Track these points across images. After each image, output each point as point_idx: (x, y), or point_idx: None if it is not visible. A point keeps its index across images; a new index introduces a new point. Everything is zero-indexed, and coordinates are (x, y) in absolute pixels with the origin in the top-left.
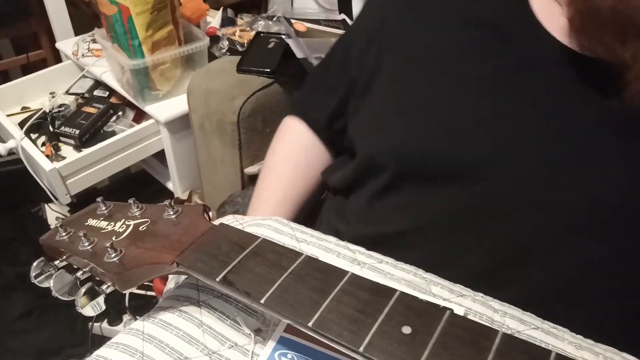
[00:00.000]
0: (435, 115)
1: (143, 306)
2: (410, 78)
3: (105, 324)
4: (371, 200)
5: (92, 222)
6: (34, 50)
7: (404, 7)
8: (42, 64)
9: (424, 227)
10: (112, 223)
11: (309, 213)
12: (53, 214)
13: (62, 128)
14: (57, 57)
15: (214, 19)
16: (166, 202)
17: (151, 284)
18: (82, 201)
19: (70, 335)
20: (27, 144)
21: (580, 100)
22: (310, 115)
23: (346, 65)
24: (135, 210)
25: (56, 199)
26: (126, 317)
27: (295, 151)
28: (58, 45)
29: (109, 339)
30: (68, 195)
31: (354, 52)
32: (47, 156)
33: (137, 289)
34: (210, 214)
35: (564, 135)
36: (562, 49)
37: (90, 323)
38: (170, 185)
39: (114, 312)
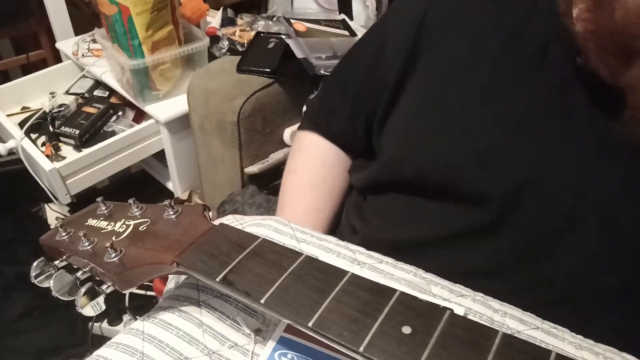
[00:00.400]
0: (465, 132)
1: (143, 306)
2: (447, 87)
3: (105, 324)
4: (387, 206)
5: (92, 222)
6: (34, 50)
7: (449, 11)
8: (42, 64)
9: (437, 237)
10: (112, 223)
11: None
12: (53, 214)
13: (62, 128)
14: (57, 57)
15: (214, 19)
16: (166, 202)
17: (151, 284)
18: (82, 201)
19: (70, 335)
20: (27, 144)
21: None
22: (333, 127)
23: (377, 68)
24: (135, 210)
25: (56, 199)
26: (126, 317)
27: (321, 171)
28: (58, 45)
29: (109, 339)
30: (68, 195)
31: (387, 52)
32: (47, 156)
33: (137, 289)
34: (210, 214)
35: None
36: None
37: (90, 323)
38: (170, 185)
39: (114, 312)
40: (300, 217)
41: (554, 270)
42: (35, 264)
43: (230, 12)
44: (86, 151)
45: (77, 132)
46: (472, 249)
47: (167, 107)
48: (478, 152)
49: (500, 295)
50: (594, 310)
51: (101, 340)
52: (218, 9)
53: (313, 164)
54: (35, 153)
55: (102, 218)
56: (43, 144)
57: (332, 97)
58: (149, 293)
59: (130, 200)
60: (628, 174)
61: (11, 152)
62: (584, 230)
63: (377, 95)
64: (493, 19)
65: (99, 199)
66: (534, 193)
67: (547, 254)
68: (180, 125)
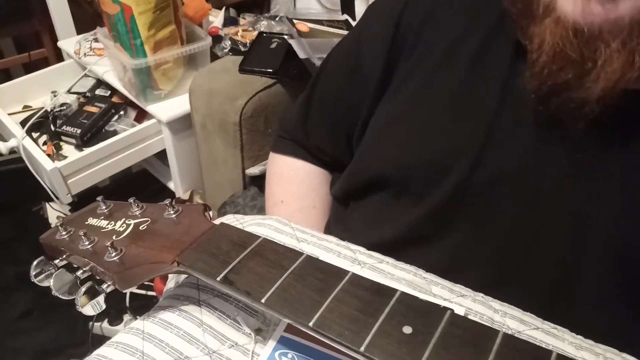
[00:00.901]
0: (443, 132)
1: (144, 306)
2: (426, 88)
3: (105, 324)
4: (368, 208)
5: (92, 221)
6: (36, 49)
7: (425, 14)
8: (43, 63)
9: (418, 235)
10: (113, 222)
11: None
12: (54, 212)
13: (64, 127)
14: (59, 56)
15: (217, 18)
16: (166, 202)
17: (152, 284)
18: (83, 200)
19: (71, 335)
20: (28, 143)
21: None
22: (314, 142)
23: (356, 77)
24: (136, 209)
25: (57, 198)
26: (127, 317)
27: (309, 198)
28: (60, 44)
29: (109, 339)
30: (69, 194)
31: (365, 60)
32: (49, 155)
33: (137, 288)
34: (211, 213)
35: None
36: None
37: (91, 323)
38: (171, 185)
39: (115, 312)
40: None
41: (538, 265)
42: (35, 263)
43: (232, 12)
44: (87, 150)
45: (79, 131)
46: (455, 245)
47: (169, 106)
48: (454, 151)
49: (491, 289)
50: (584, 307)
51: (102, 340)
52: (220, 9)
53: (299, 190)
54: (36, 152)
55: (102, 217)
56: (44, 143)
57: (311, 111)
58: (150, 293)
59: (131, 200)
60: (596, 169)
61: (12, 151)
62: (560, 226)
63: (358, 104)
64: (470, 19)
65: (99, 198)
66: (512, 188)
67: (529, 248)
68: (182, 125)
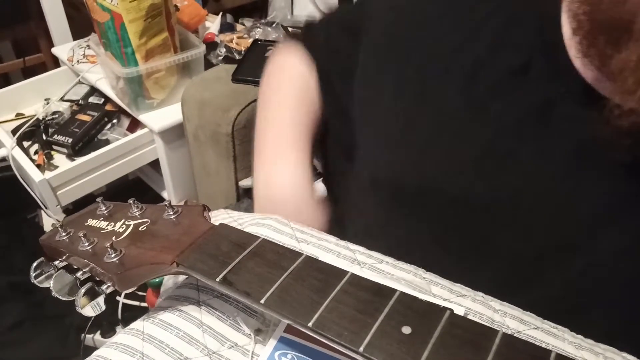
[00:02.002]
0: (439, 152)
1: (136, 318)
2: (424, 100)
3: (98, 336)
4: (370, 220)
5: (92, 222)
6: (36, 53)
7: (415, 8)
8: (42, 68)
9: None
10: (112, 223)
11: None
12: (49, 220)
13: (55, 136)
14: (56, 61)
15: (213, 24)
16: (166, 203)
17: (144, 294)
18: (78, 207)
19: (63, 347)
20: (17, 153)
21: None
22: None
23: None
24: (135, 210)
25: (47, 208)
26: (119, 329)
27: (304, 90)
28: (54, 50)
29: None
30: (59, 206)
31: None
32: (39, 165)
33: (130, 300)
34: (210, 214)
35: (569, 175)
36: (584, 87)
37: (83, 335)
38: (165, 195)
39: (107, 324)
40: (288, 132)
41: (536, 296)
42: (35, 264)
43: (229, 18)
44: (78, 161)
45: (70, 140)
46: (453, 272)
47: (162, 116)
48: (448, 173)
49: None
50: (588, 313)
51: (93, 352)
52: (218, 14)
53: (296, 84)
54: (25, 163)
55: (102, 218)
56: (36, 152)
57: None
58: (143, 304)
59: (130, 201)
60: (610, 193)
61: (3, 159)
62: (562, 256)
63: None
64: (472, 28)
65: (98, 199)
66: (511, 214)
67: (529, 278)
68: (175, 134)
